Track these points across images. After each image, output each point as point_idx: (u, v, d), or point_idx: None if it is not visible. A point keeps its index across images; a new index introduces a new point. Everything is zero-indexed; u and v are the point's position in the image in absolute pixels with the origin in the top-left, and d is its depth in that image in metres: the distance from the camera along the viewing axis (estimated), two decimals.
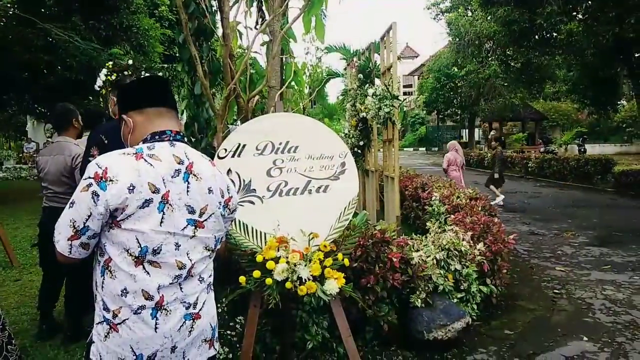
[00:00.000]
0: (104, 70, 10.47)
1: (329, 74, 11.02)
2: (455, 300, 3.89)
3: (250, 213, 2.84)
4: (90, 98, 12.36)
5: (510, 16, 15.95)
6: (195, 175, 1.62)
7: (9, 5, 13.66)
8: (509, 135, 29.19)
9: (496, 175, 11.09)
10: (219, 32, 3.58)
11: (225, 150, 2.93)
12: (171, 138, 1.64)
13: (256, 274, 2.67)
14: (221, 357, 3.01)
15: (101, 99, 10.56)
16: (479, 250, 4.25)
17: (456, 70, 29.46)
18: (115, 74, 10.07)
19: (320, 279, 2.73)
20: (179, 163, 1.59)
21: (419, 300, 3.63)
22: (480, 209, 5.51)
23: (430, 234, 4.46)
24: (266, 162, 2.97)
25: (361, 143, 7.23)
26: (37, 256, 4.76)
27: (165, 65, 13.23)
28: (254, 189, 2.92)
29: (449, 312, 3.64)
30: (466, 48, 26.57)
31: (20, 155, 20.82)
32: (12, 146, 23.37)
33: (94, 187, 1.45)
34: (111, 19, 12.50)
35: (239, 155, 2.95)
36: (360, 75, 6.95)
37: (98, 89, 10.53)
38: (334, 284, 2.71)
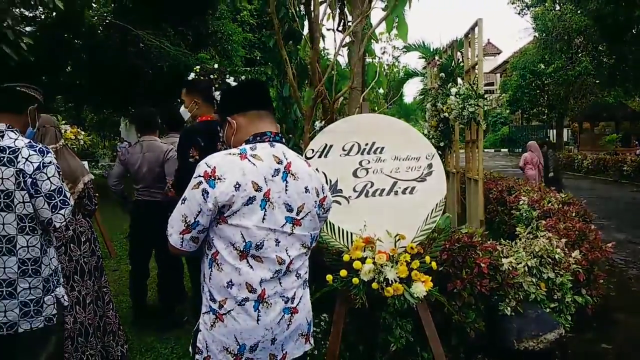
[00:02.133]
0: (192, 74, 11.05)
1: (407, 74, 10.88)
2: (547, 310, 3.69)
3: (337, 213, 2.87)
4: (179, 100, 13.07)
5: (603, 10, 14.85)
6: (293, 175, 1.68)
7: (105, 14, 14.83)
8: (601, 137, 27.16)
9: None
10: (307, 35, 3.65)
11: (313, 150, 2.99)
12: (271, 139, 1.71)
13: (343, 273, 2.70)
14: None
15: None
16: (574, 258, 4.00)
17: (543, 67, 27.88)
18: (201, 78, 10.60)
19: (407, 281, 2.71)
20: (278, 163, 1.66)
21: (509, 308, 3.48)
22: (574, 214, 5.19)
23: (520, 239, 4.27)
24: (352, 163, 2.99)
25: (441, 144, 7.05)
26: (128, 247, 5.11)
27: (248, 69, 13.71)
28: (340, 189, 2.96)
29: (541, 322, 3.47)
30: (554, 44, 25.09)
31: (114, 154, 22.52)
32: (107, 145, 25.23)
33: (204, 185, 1.54)
34: (198, 25, 13.17)
35: (325, 156, 3.00)
36: (442, 74, 6.78)
37: None
38: (421, 287, 2.68)
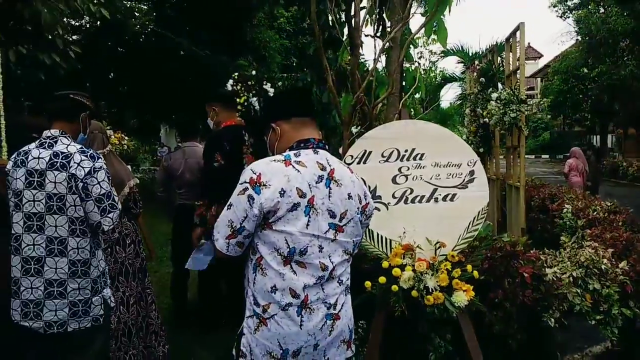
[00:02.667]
0: (230, 81, 11.21)
1: (445, 78, 10.76)
2: (593, 322, 3.56)
3: (375, 219, 2.85)
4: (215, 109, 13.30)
5: None
6: (336, 182, 1.68)
7: (147, 23, 15.29)
8: None
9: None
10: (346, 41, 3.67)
11: (351, 157, 2.99)
12: (315, 146, 1.72)
13: (382, 280, 2.68)
14: None
15: None
16: (621, 269, 3.84)
17: (586, 71, 27.00)
18: (240, 84, 10.74)
19: (448, 290, 2.67)
20: (321, 169, 1.67)
21: (553, 319, 3.37)
22: (620, 224, 4.98)
23: (564, 249, 4.13)
24: (391, 169, 2.98)
25: (481, 150, 6.93)
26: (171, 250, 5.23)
27: (284, 75, 13.84)
28: (379, 196, 2.94)
29: (586, 335, 3.35)
30: (598, 47, 24.28)
31: (155, 158, 23.11)
32: (147, 150, 25.89)
33: (250, 191, 1.57)
34: (236, 33, 13.40)
35: (364, 162, 2.99)
36: (482, 79, 6.67)
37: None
38: (463, 296, 2.64)
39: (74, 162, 2.18)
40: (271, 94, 10.35)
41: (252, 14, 13.78)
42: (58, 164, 2.17)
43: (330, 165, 1.70)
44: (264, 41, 13.86)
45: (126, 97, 15.38)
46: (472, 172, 2.95)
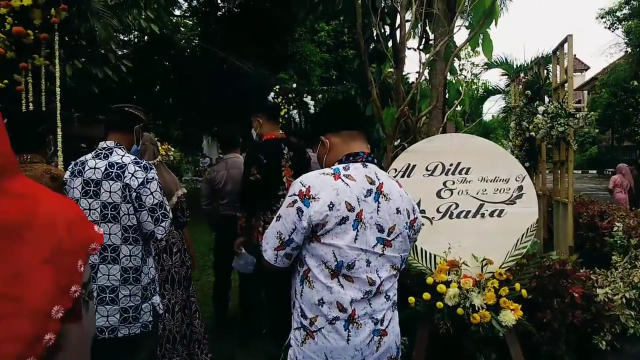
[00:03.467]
0: (272, 94, 11.36)
1: (488, 91, 10.57)
2: None
3: (420, 234, 2.83)
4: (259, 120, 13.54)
5: None
6: (384, 196, 1.67)
7: (192, 37, 15.79)
8: None
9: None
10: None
11: (395, 170, 2.97)
12: (364, 159, 1.72)
13: (426, 296, 2.64)
14: None
15: None
16: None
17: (636, 84, 25.95)
18: (281, 97, 10.85)
19: (495, 308, 2.60)
20: (370, 183, 1.66)
21: (604, 342, 3.23)
22: None
23: (616, 269, 3.96)
24: (436, 183, 2.94)
25: (527, 164, 6.74)
26: (213, 259, 5.32)
27: (325, 88, 13.97)
28: (423, 210, 2.90)
29: None
30: None
31: (197, 169, 23.69)
32: (190, 160, 26.53)
33: (299, 204, 1.58)
34: (278, 47, 13.65)
35: (408, 176, 2.97)
36: (528, 92, 6.52)
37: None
38: (511, 315, 2.56)
39: (128, 173, 2.27)
40: (311, 107, 10.47)
41: (293, 28, 14.02)
42: (113, 174, 2.26)
43: (379, 180, 1.69)
44: (305, 54, 14.07)
45: (171, 110, 15.88)
46: (520, 188, 2.88)
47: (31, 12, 3.70)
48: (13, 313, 0.68)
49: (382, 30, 3.53)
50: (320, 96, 11.08)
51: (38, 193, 0.78)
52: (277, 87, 10.58)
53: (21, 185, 0.76)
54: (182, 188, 3.50)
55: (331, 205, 1.56)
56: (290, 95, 10.46)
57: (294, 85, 10.57)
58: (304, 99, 10.69)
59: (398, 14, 3.49)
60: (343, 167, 1.68)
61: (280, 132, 3.65)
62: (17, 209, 0.73)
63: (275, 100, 10.41)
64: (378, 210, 1.64)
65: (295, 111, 10.66)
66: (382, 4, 3.53)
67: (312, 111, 10.52)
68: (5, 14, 3.70)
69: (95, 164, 2.31)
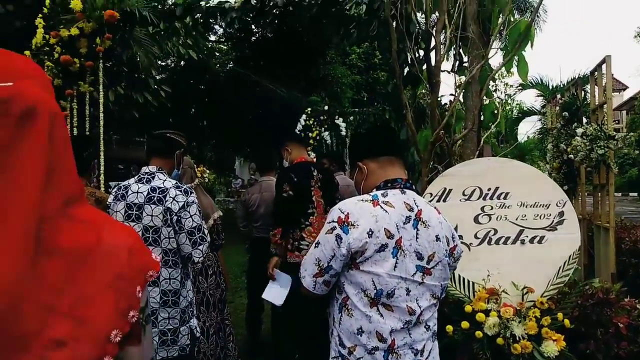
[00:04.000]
0: (304, 116, 11.48)
1: (523, 112, 10.40)
2: None
3: None
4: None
5: None
6: (423, 223, 1.66)
7: (226, 62, 16.20)
8: None
9: None
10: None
11: (431, 194, 2.94)
12: (402, 186, 1.71)
13: (464, 324, 2.58)
14: None
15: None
16: None
17: None
18: (313, 119, 10.94)
19: (536, 338, 2.51)
20: (409, 210, 1.65)
21: None
22: None
23: None
24: (473, 208, 2.89)
25: (565, 187, 6.56)
26: (246, 281, 5.34)
27: (356, 110, 14.06)
28: (461, 236, 2.84)
29: None
30: None
31: (229, 190, 24.03)
32: (222, 182, 26.95)
33: (338, 231, 1.58)
34: (309, 69, 13.85)
35: (444, 200, 2.93)
36: (565, 113, 6.39)
37: (298, 132, 11.59)
38: (553, 345, 2.47)
39: (170, 197, 2.32)
40: (343, 129, 10.53)
41: (325, 52, 14.23)
42: (155, 198, 2.32)
43: (417, 206, 1.68)
44: (336, 77, 14.20)
45: (205, 132, 16.24)
46: (561, 214, 2.81)
47: (78, 41, 3.89)
48: (78, 335, 0.70)
49: (417, 55, 3.54)
50: (351, 118, 11.13)
51: (102, 220, 0.82)
52: (309, 109, 10.70)
53: (86, 212, 0.80)
54: (218, 211, 3.55)
55: (370, 233, 1.56)
56: (321, 118, 10.56)
57: (326, 108, 10.65)
58: (336, 121, 10.77)
59: (432, 38, 3.50)
60: (381, 194, 1.67)
61: (310, 156, 3.73)
62: (83, 235, 0.76)
63: (307, 122, 10.53)
64: (417, 238, 1.63)
65: (326, 133, 10.74)
66: (417, 28, 3.55)
67: (343, 133, 10.59)
68: (54, 44, 3.89)
69: (138, 188, 2.37)
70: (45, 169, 0.71)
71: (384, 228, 1.57)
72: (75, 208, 0.77)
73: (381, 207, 1.61)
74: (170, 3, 4.18)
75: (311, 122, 10.47)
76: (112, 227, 0.81)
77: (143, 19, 3.84)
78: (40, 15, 3.99)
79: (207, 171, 7.03)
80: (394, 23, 3.20)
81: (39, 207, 0.70)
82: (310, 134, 10.40)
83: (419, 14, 3.86)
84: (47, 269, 0.70)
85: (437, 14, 3.98)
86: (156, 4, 4.01)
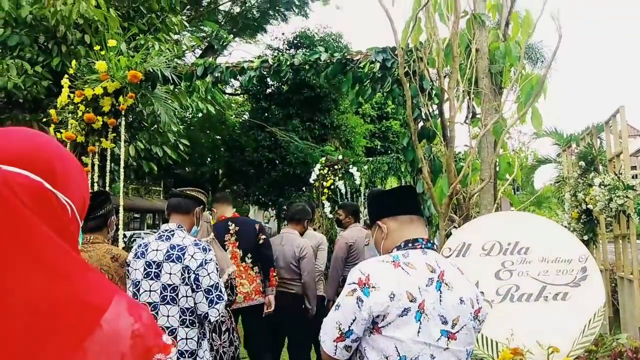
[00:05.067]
0: (318, 165, 11.56)
1: (538, 161, 10.36)
2: None
3: None
4: (304, 189, 13.80)
5: None
6: (447, 285, 1.63)
7: (242, 113, 16.61)
8: None
9: None
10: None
11: (450, 249, 2.91)
12: (423, 246, 1.70)
13: None
14: None
15: (314, 191, 11.58)
16: None
17: None
18: (327, 168, 11.00)
19: None
20: (431, 272, 1.63)
21: None
22: None
23: None
24: (494, 264, 2.84)
25: (585, 237, 6.44)
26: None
27: (370, 159, 14.20)
28: (482, 292, 2.79)
29: None
30: None
31: None
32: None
33: (358, 293, 1.56)
34: (324, 119, 14.11)
35: (463, 255, 2.89)
36: (582, 163, 6.36)
37: (312, 181, 11.61)
38: None
39: (188, 255, 2.33)
40: (357, 178, 10.57)
41: (338, 101, 14.54)
42: (174, 256, 2.33)
43: (440, 267, 1.65)
44: (350, 127, 14.43)
45: (220, 180, 16.44)
46: (584, 269, 2.74)
47: (101, 99, 4.03)
48: None
49: (431, 109, 3.60)
50: (366, 167, 11.21)
51: (105, 302, 0.76)
52: (323, 158, 10.81)
53: (92, 290, 0.75)
54: (232, 265, 3.53)
55: (392, 296, 1.53)
56: (336, 167, 10.65)
57: (340, 157, 10.76)
58: (350, 169, 10.85)
59: (445, 93, 3.57)
60: (402, 254, 1.65)
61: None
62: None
63: (321, 171, 10.62)
64: (441, 301, 1.59)
65: (341, 182, 10.79)
66: (430, 85, 3.62)
67: (357, 182, 10.63)
68: (79, 102, 4.04)
69: (158, 245, 2.39)
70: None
71: (406, 291, 1.55)
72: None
73: (402, 268, 1.59)
74: (190, 63, 4.35)
75: (325, 171, 10.56)
76: (116, 310, 0.76)
77: (165, 78, 3.99)
78: (66, 75, 4.17)
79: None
80: (407, 80, 3.28)
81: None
82: (324, 183, 10.48)
83: (431, 69, 3.95)
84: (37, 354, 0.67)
85: (448, 68, 4.08)
86: (176, 64, 4.16)
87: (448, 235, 3.22)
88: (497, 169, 4.75)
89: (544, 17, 3.18)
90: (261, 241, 4.06)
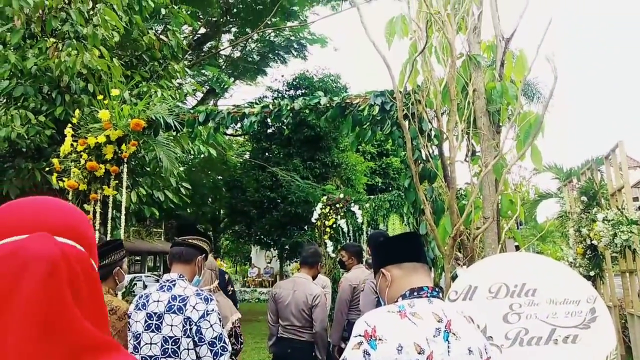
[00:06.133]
0: (320, 204, 11.54)
1: (540, 196, 10.35)
2: None
3: None
4: (306, 229, 13.75)
5: None
6: (454, 334, 1.59)
7: (242, 153, 16.78)
8: None
9: None
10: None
11: (456, 292, 2.86)
12: (429, 294, 1.67)
13: None
14: None
15: (316, 230, 11.52)
16: None
17: None
18: (329, 207, 10.98)
19: None
20: (438, 321, 1.59)
21: None
22: None
23: None
24: (502, 307, 2.79)
25: (591, 273, 6.37)
26: None
27: (371, 197, 14.23)
28: (490, 337, 2.73)
29: None
30: None
31: (245, 279, 23.70)
32: (238, 270, 26.71)
33: (365, 346, 1.52)
34: (324, 158, 14.23)
35: (470, 298, 2.84)
36: (584, 198, 6.36)
37: (314, 221, 11.55)
38: None
39: (190, 305, 2.29)
40: (359, 216, 10.53)
41: (338, 139, 14.70)
42: (175, 307, 2.29)
43: (446, 317, 1.62)
44: (351, 165, 14.53)
45: (222, 221, 16.43)
46: (593, 310, 2.69)
47: (104, 148, 4.07)
48: None
49: (431, 151, 3.63)
50: (367, 205, 11.20)
51: None
52: (325, 197, 10.82)
53: None
54: (236, 312, 3.46)
55: (400, 348, 1.49)
56: (337, 205, 10.64)
57: (341, 195, 10.77)
58: (352, 208, 10.83)
59: (444, 135, 3.60)
60: (408, 304, 1.63)
61: (327, 245, 3.76)
62: None
63: (323, 210, 10.59)
64: (449, 351, 1.56)
65: (343, 221, 10.76)
66: (429, 128, 3.66)
67: (359, 220, 10.59)
68: (82, 151, 4.08)
69: (159, 296, 2.35)
70: (41, 319, 0.70)
71: (414, 342, 1.51)
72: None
73: (409, 319, 1.56)
74: (191, 107, 4.42)
75: (327, 210, 10.54)
76: None
77: (167, 125, 4.04)
78: (69, 124, 4.23)
79: (225, 264, 6.98)
80: (407, 123, 3.32)
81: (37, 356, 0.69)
82: (326, 222, 10.43)
83: (429, 110, 4.00)
84: None
85: (446, 107, 4.14)
86: (179, 111, 4.23)
87: (453, 278, 3.18)
88: (499, 206, 4.74)
89: (540, 56, 3.23)
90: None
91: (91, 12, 5.19)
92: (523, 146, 4.90)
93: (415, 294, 1.67)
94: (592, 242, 5.76)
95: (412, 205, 3.68)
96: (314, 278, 4.26)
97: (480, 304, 2.79)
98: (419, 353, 1.51)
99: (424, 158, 3.56)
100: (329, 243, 10.04)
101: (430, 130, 3.71)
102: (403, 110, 3.26)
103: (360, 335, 1.55)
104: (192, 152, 6.65)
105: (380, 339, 1.52)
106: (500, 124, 4.44)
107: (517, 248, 4.28)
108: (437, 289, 1.73)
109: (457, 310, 1.73)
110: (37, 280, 0.71)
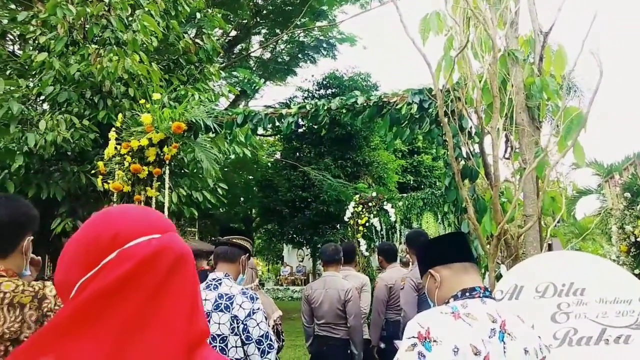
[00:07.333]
0: (352, 203, 11.52)
1: (579, 192, 10.08)
2: None
3: None
4: (338, 227, 13.75)
5: None
6: (509, 335, 1.57)
7: (275, 153, 16.90)
8: None
9: None
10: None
11: (502, 292, 2.82)
12: (481, 295, 1.65)
13: None
14: None
15: (349, 229, 11.51)
16: None
17: None
18: (362, 206, 10.95)
19: None
20: (493, 322, 1.58)
21: None
22: None
23: None
24: (549, 306, 2.73)
25: (636, 271, 6.15)
26: None
27: (404, 195, 14.13)
28: (538, 336, 2.68)
29: None
30: None
31: (277, 277, 23.90)
32: (271, 269, 26.92)
33: (419, 348, 1.51)
34: (355, 156, 14.20)
35: (516, 298, 2.79)
36: (627, 194, 6.15)
37: (347, 219, 11.54)
38: None
39: (236, 304, 2.33)
40: (392, 215, 10.46)
41: (369, 138, 14.64)
42: (222, 306, 2.33)
43: (500, 317, 1.60)
44: (382, 163, 14.45)
45: (255, 221, 16.61)
46: None
47: (146, 150, 4.18)
48: None
49: (472, 148, 3.58)
50: (400, 203, 11.11)
51: None
52: (357, 196, 10.79)
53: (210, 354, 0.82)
54: (277, 310, 3.51)
55: (456, 350, 1.48)
56: (370, 204, 10.60)
57: (374, 194, 10.72)
58: (384, 206, 10.77)
59: (486, 132, 3.55)
60: (461, 305, 1.61)
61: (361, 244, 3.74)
62: None
63: (355, 209, 10.57)
64: (505, 352, 1.54)
65: (376, 219, 10.71)
66: (469, 125, 3.62)
67: (392, 218, 10.52)
68: (125, 154, 4.20)
69: (206, 295, 2.40)
70: (190, 308, 0.78)
71: (470, 344, 1.50)
72: (201, 348, 0.80)
73: (463, 320, 1.55)
74: (225, 108, 4.50)
75: (360, 208, 10.50)
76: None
77: (207, 127, 4.12)
78: (113, 128, 4.36)
79: (260, 263, 7.07)
80: (446, 120, 3.29)
81: (187, 343, 0.75)
82: (359, 221, 10.40)
83: (469, 108, 3.95)
84: None
85: (483, 104, 4.07)
86: (217, 113, 4.31)
87: (498, 277, 3.14)
88: (541, 204, 4.64)
89: (578, 48, 3.14)
90: None
91: (130, 19, 5.34)
92: (565, 142, 4.78)
93: (468, 294, 1.65)
94: (637, 239, 5.57)
95: (453, 204, 3.64)
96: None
97: (527, 304, 2.74)
98: (475, 354, 1.49)
99: (465, 156, 3.51)
100: (362, 242, 10.01)
101: (471, 127, 3.65)
102: (443, 107, 3.22)
103: (413, 337, 1.54)
104: (227, 153, 6.75)
105: (435, 341, 1.51)
106: (540, 120, 4.34)
107: (550, 247, 4.18)
108: (489, 289, 1.71)
109: (510, 311, 1.71)
110: (187, 275, 0.78)
